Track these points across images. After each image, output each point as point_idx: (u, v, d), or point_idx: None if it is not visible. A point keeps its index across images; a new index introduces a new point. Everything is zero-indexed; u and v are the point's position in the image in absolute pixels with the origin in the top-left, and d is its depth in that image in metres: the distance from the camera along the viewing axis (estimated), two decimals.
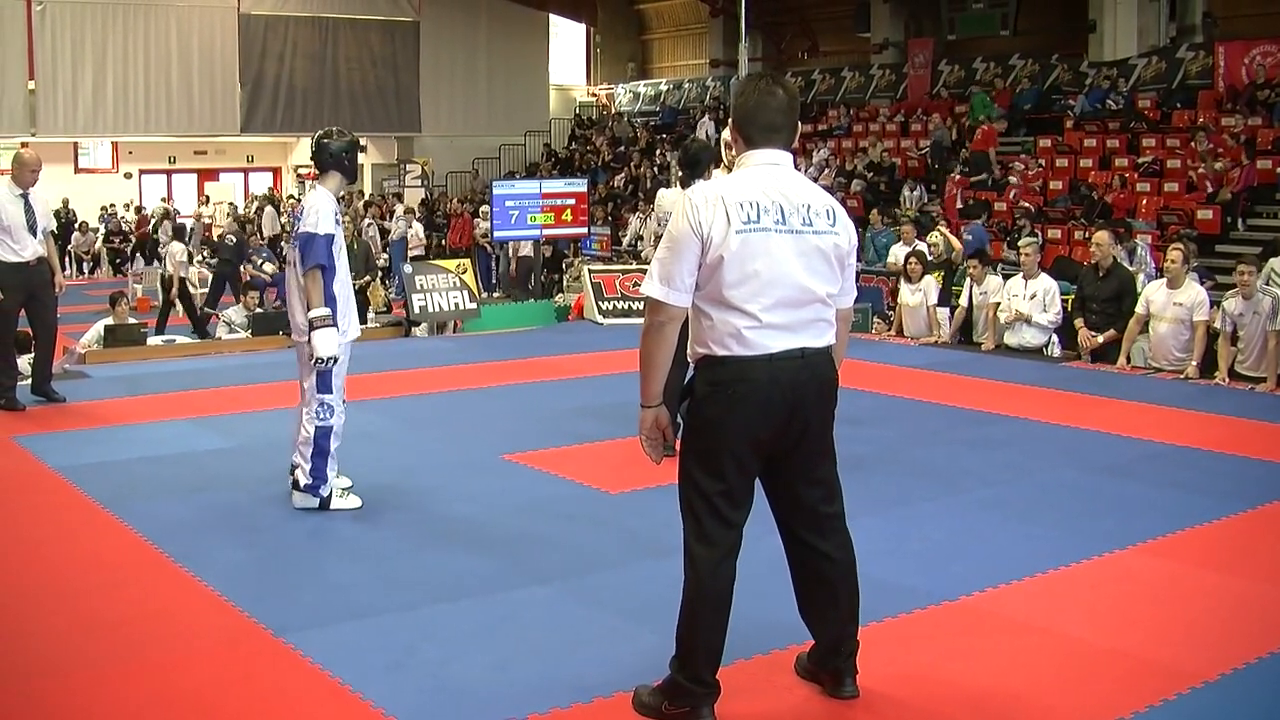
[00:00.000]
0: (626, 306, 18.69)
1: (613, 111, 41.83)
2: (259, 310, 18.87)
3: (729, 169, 6.74)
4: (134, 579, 6.98)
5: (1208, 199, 21.68)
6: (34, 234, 11.47)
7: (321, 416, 8.07)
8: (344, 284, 8.18)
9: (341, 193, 8.17)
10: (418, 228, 28.34)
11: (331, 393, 8.09)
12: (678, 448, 5.11)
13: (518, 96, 38.38)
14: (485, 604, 6.50)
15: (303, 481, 8.11)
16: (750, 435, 4.85)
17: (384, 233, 28.31)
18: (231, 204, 38.75)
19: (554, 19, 40.02)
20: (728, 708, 5.12)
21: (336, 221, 8.12)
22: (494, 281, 25.72)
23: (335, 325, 7.95)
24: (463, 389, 12.78)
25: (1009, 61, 30.36)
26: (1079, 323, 13.89)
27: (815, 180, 27.51)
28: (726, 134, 7.18)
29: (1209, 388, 12.39)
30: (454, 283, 18.15)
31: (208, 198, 41.35)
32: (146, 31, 32.53)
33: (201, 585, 6.76)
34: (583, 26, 42.81)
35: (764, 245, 4.75)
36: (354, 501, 8.18)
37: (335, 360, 7.97)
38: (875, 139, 29.32)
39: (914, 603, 6.40)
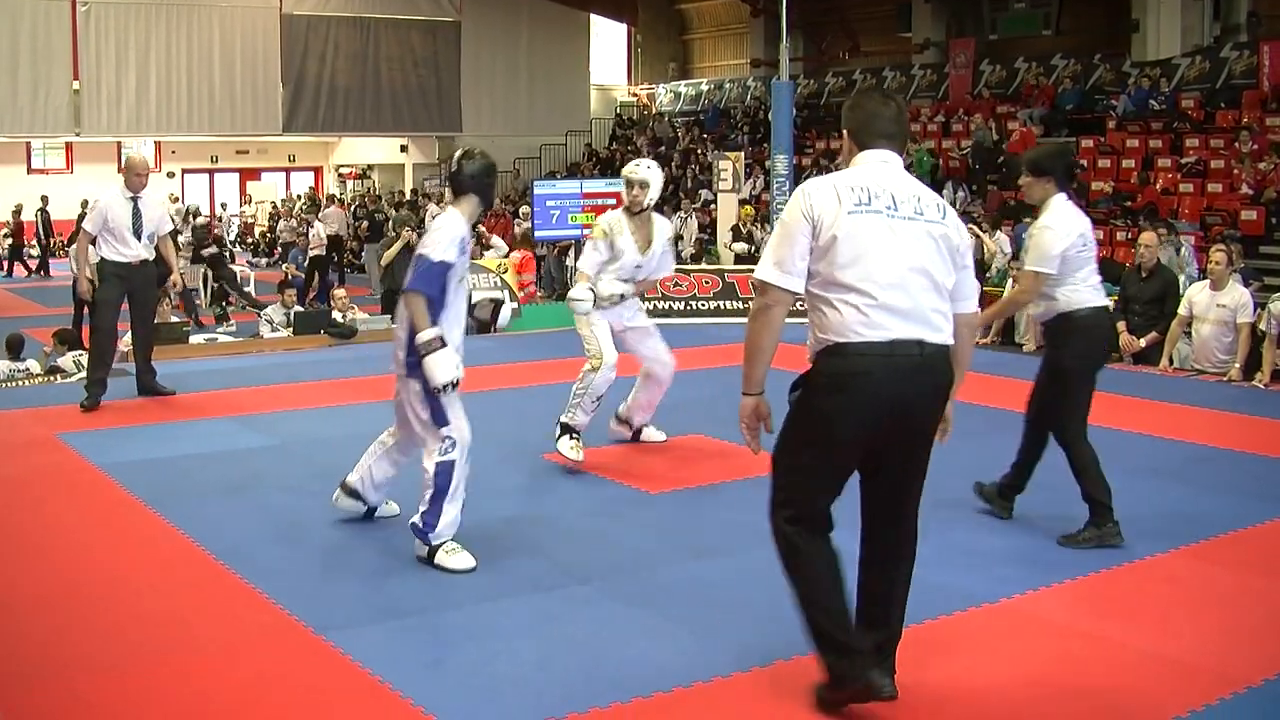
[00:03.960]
0: (667, 306, 18.69)
1: (654, 111, 41.79)
2: (298, 308, 18.92)
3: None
4: (176, 576, 7.02)
5: (1251, 200, 21.55)
6: (139, 238, 11.75)
7: (444, 451, 7.14)
8: (454, 323, 7.25)
9: (474, 218, 7.48)
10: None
11: (450, 424, 7.17)
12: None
13: (559, 96, 38.35)
14: (525, 603, 6.51)
15: (417, 521, 7.12)
16: (861, 431, 4.91)
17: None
18: (299, 198, 38.88)
19: (595, 19, 39.95)
20: (770, 708, 5.12)
21: (463, 250, 7.19)
22: (535, 281, 25.75)
23: (445, 345, 7.04)
24: (502, 388, 12.79)
25: (1051, 61, 30.20)
26: (1121, 325, 13.81)
27: None
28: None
29: (1252, 390, 12.32)
30: (494, 282, 18.18)
31: (250, 197, 41.55)
32: (189, 31, 32.63)
33: (243, 583, 6.80)
34: (624, 26, 42.72)
35: (876, 225, 4.83)
36: (466, 561, 7.04)
37: (456, 384, 7.09)
38: (917, 139, 29.22)
39: (955, 604, 6.38)
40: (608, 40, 42.63)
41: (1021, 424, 7.88)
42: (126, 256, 11.73)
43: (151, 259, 11.97)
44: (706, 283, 19.12)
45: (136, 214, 11.73)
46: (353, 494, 7.90)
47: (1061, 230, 7.42)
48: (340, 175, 43.43)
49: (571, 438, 9.48)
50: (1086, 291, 7.48)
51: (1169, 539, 7.41)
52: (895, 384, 4.82)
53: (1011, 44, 32.00)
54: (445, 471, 7.10)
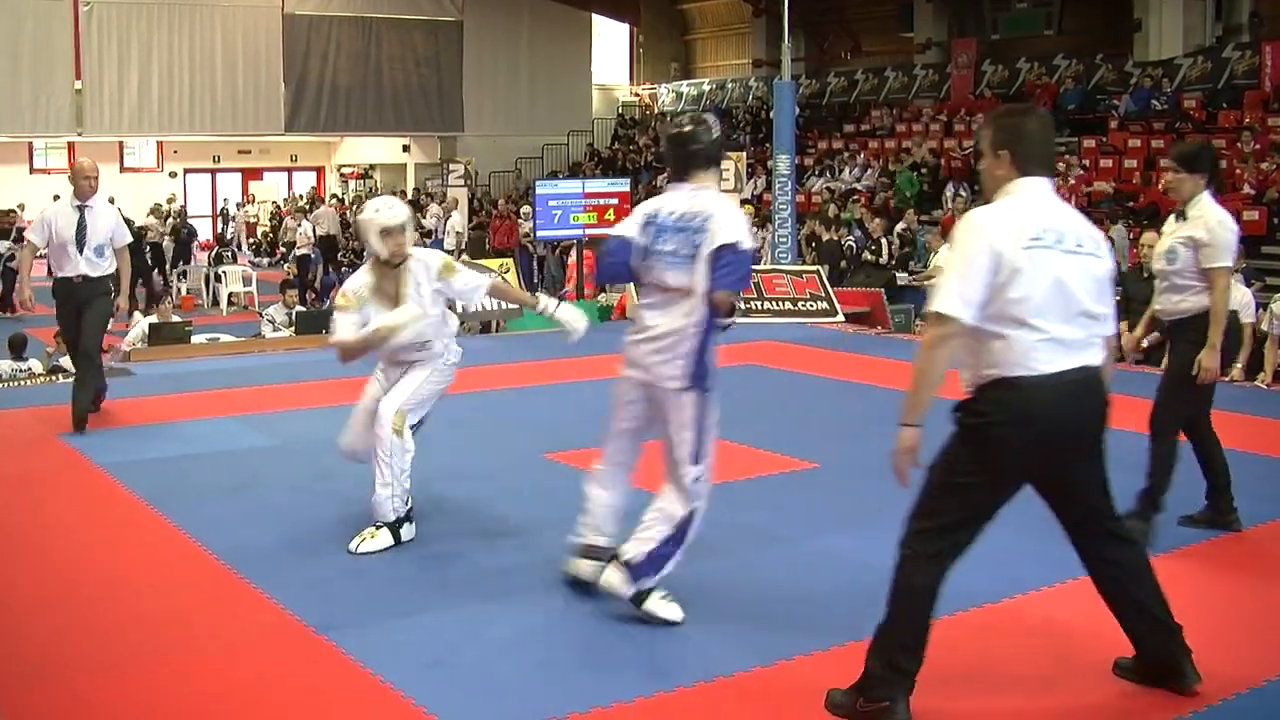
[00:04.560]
0: None
1: (656, 111, 41.82)
2: (300, 308, 18.92)
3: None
4: (177, 576, 7.02)
5: (1253, 200, 21.54)
6: (81, 250, 10.68)
7: (696, 495, 6.33)
8: None
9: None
10: (456, 219, 28.51)
11: (707, 459, 6.44)
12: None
13: (560, 96, 38.39)
14: (527, 603, 6.51)
15: (630, 557, 6.20)
16: (1032, 459, 5.00)
17: (426, 234, 28.36)
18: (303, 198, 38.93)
19: (597, 18, 39.99)
20: (773, 708, 5.12)
21: None
22: (536, 281, 25.78)
23: None
24: (504, 388, 12.79)
25: (1053, 61, 30.21)
26: (1123, 325, 13.79)
27: (858, 180, 27.59)
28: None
29: (1254, 390, 12.31)
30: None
31: (253, 196, 41.56)
32: (191, 31, 32.66)
33: (244, 582, 6.80)
34: (626, 26, 42.77)
35: (1049, 262, 4.86)
36: (676, 612, 6.19)
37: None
38: (919, 139, 29.24)
39: (958, 605, 6.37)
40: (610, 40, 42.67)
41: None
42: (67, 272, 10.76)
43: (97, 275, 10.84)
44: None
45: (82, 225, 10.67)
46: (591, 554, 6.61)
47: (1232, 225, 7.53)
48: (342, 175, 43.44)
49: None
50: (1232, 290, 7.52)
51: (1171, 539, 7.40)
52: (1068, 413, 4.94)
53: (1013, 44, 32.02)
54: (692, 518, 6.30)
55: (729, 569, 7.06)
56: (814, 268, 19.80)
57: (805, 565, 7.15)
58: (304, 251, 27.27)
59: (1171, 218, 7.87)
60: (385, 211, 7.50)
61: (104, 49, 31.61)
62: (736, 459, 9.24)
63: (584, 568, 6.54)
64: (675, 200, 6.22)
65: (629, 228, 6.33)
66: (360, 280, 7.60)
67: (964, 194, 25.09)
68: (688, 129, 6.28)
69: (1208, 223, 7.45)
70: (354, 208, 34.84)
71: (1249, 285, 13.85)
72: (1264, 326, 12.76)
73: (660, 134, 6.60)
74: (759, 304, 18.43)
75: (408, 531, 7.50)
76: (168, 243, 29.04)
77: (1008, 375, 4.88)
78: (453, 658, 5.78)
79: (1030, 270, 4.81)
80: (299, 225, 30.08)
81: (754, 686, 5.44)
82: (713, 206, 6.14)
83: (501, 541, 7.57)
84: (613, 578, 6.18)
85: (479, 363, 14.36)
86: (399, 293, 7.46)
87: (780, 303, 18.72)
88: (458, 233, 27.90)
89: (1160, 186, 7.79)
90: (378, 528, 7.40)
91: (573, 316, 7.61)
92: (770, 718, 5.22)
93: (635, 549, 6.19)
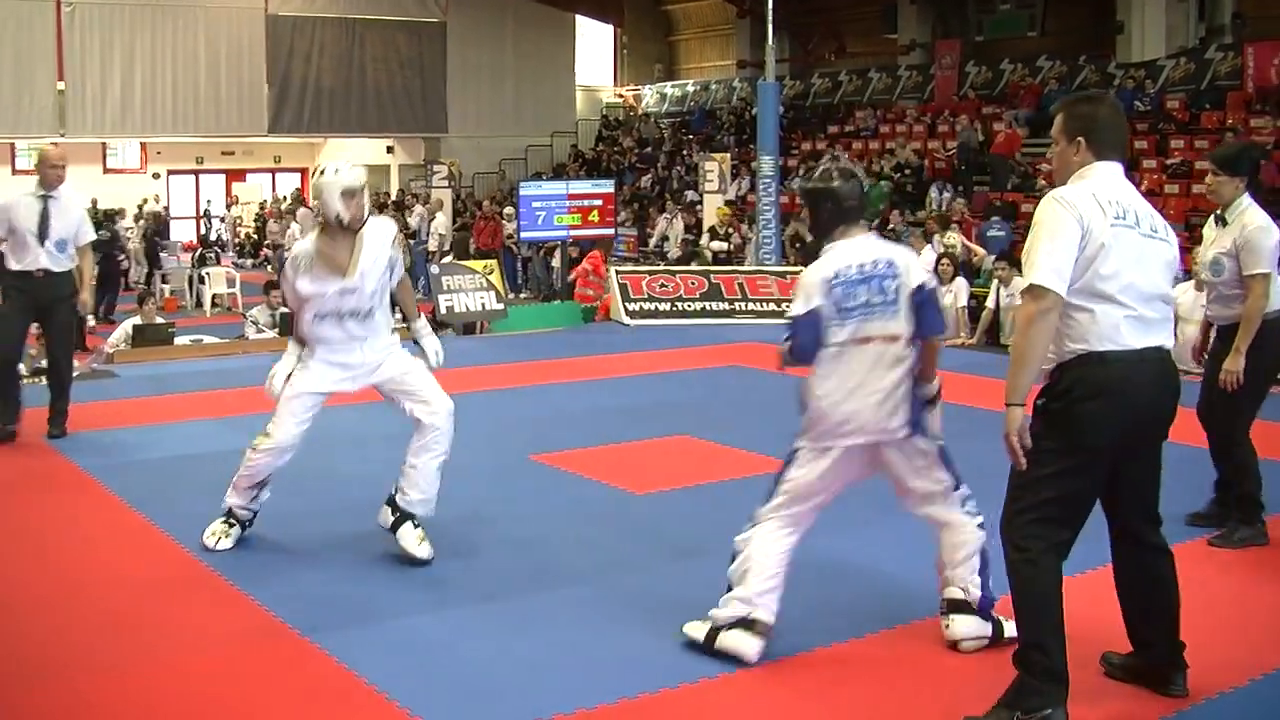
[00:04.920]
0: (653, 308, 18.70)
1: (639, 112, 41.83)
2: (284, 310, 18.87)
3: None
4: (162, 579, 7.00)
5: None
6: (43, 242, 10.16)
7: (974, 512, 6.08)
8: None
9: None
10: (441, 220, 28.48)
11: (962, 479, 6.17)
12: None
13: (544, 97, 38.42)
14: (512, 605, 6.51)
15: (973, 594, 5.98)
16: (1118, 437, 4.99)
17: (411, 234, 28.32)
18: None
19: (580, 20, 40.03)
20: (759, 710, 5.12)
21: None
22: (521, 282, 25.78)
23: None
24: (489, 390, 12.78)
25: (1036, 63, 30.24)
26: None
27: None
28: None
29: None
30: (481, 283, 18.18)
31: (236, 198, 41.47)
32: (174, 32, 32.63)
33: (229, 585, 6.79)
34: (609, 27, 42.79)
35: (1131, 241, 4.93)
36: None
37: None
38: (902, 140, 29.27)
39: (937, 608, 6.39)
40: (593, 41, 42.68)
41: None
42: (26, 264, 10.17)
43: (60, 271, 10.33)
44: (693, 284, 19.13)
45: (45, 215, 10.14)
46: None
47: (1272, 229, 7.47)
48: None
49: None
50: (1275, 294, 7.51)
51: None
52: (1150, 389, 4.99)
53: (997, 45, 32.04)
54: (984, 532, 5.98)
55: (715, 570, 7.05)
56: (799, 268, 19.79)
57: (792, 566, 7.14)
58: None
59: (1210, 221, 7.88)
60: (346, 172, 7.26)
61: (86, 49, 31.56)
62: (722, 460, 9.25)
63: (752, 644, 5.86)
64: (848, 256, 5.96)
65: (812, 300, 5.96)
66: (305, 247, 7.38)
67: (949, 194, 25.13)
68: (837, 184, 6.02)
69: (1246, 229, 7.45)
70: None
71: None
72: None
73: (803, 190, 6.21)
74: (743, 305, 18.47)
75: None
76: (135, 245, 28.95)
77: (1095, 350, 4.89)
78: (438, 660, 5.77)
79: (1117, 246, 4.87)
80: (288, 226, 30.00)
81: (741, 687, 5.45)
82: (887, 250, 6.05)
83: (487, 543, 7.57)
84: (965, 626, 5.93)
85: (464, 364, 14.36)
86: (351, 260, 7.24)
87: (765, 303, 18.76)
88: (441, 234, 27.87)
89: (1205, 190, 7.74)
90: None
91: (433, 349, 7.68)
92: (759, 717, 5.22)
93: (965, 591, 5.98)
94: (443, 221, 28.54)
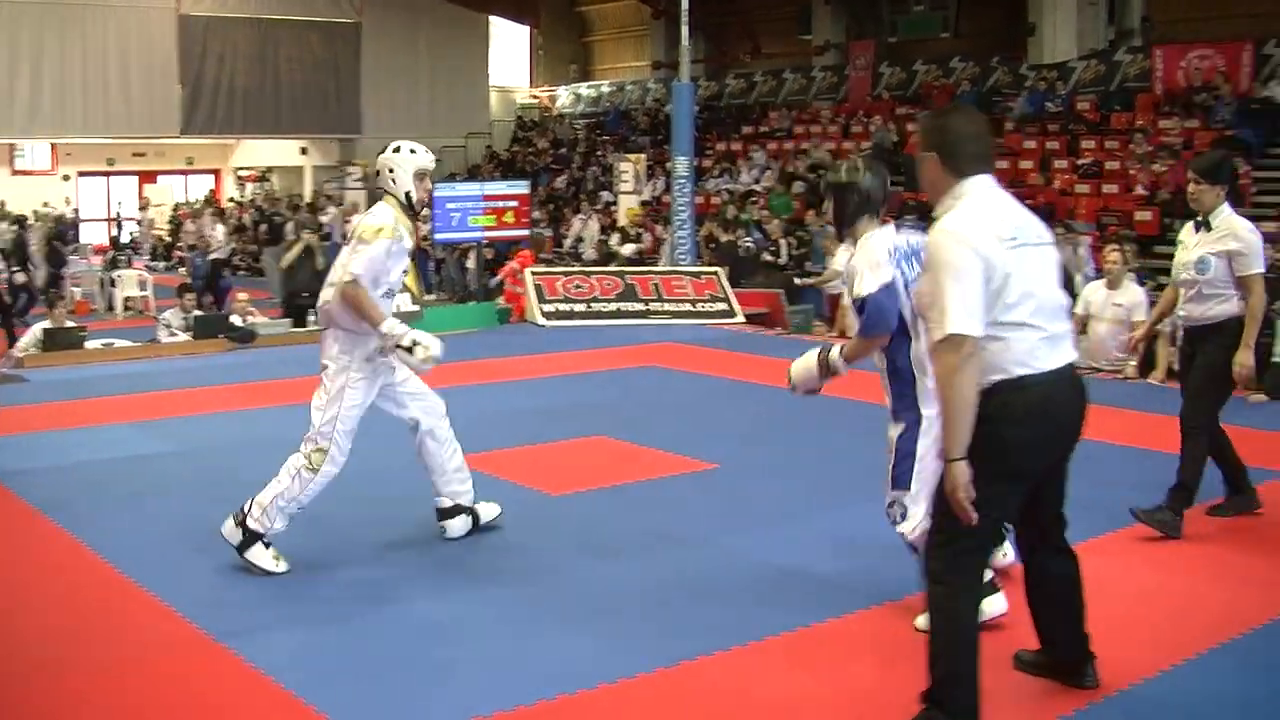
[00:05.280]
0: (569, 309, 18.67)
1: (554, 113, 41.83)
2: (198, 312, 18.72)
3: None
4: (74, 586, 6.93)
5: (1146, 201, 21.86)
6: None
7: (897, 519, 6.24)
8: None
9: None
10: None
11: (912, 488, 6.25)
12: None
13: (459, 98, 38.33)
14: (429, 608, 6.49)
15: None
16: (1046, 459, 4.99)
17: (324, 236, 28.13)
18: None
19: (495, 20, 39.96)
20: (674, 710, 5.13)
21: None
22: (434, 284, 25.67)
23: None
24: None
25: (949, 64, 30.51)
26: None
27: (756, 182, 27.70)
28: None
29: (1147, 387, 12.48)
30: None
31: (148, 200, 41.03)
32: (84, 31, 32.30)
33: (142, 591, 6.72)
34: (524, 28, 42.73)
35: (1029, 259, 4.81)
36: None
37: None
38: (817, 140, 29.43)
39: (857, 603, 6.43)
40: (508, 42, 42.65)
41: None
42: None
43: None
44: (608, 285, 19.13)
45: None
46: None
47: (1258, 232, 7.87)
48: (240, 178, 43.01)
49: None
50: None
51: (1070, 535, 7.48)
52: (1070, 406, 4.95)
53: (911, 46, 32.30)
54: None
55: (631, 570, 7.07)
56: (713, 269, 19.86)
57: (707, 565, 7.17)
58: (217, 255, 26.95)
59: (1189, 227, 8.16)
60: (422, 153, 7.54)
61: None
62: (637, 460, 9.27)
63: None
64: (887, 238, 6.19)
65: (885, 274, 6.05)
66: (392, 218, 7.33)
67: None
68: (864, 179, 6.22)
69: (1238, 233, 7.77)
70: (253, 211, 34.61)
71: (1142, 284, 14.04)
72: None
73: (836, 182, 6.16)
74: (658, 305, 18.49)
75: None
76: (34, 249, 28.59)
77: (1012, 375, 4.77)
78: (355, 664, 5.74)
79: (1020, 270, 4.74)
80: (213, 229, 29.77)
81: (658, 687, 5.45)
82: (918, 237, 6.10)
83: (403, 546, 7.54)
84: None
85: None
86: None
87: (680, 304, 18.78)
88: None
89: (1188, 196, 8.12)
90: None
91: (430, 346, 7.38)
92: (675, 718, 5.23)
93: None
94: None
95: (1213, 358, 7.88)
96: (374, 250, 7.14)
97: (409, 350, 7.19)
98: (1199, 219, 8.00)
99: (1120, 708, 5.25)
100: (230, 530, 7.09)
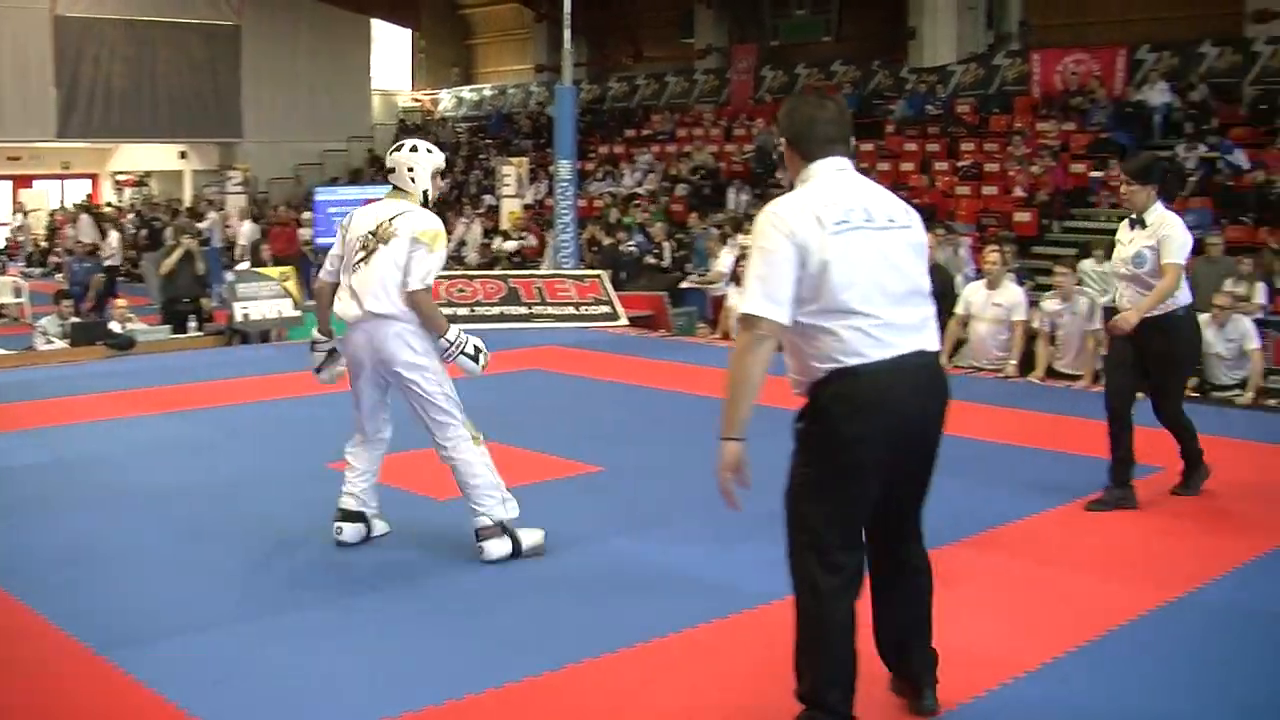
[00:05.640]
0: (451, 312, 18.55)
1: (437, 117, 41.69)
2: (75, 319, 18.46)
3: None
4: None
5: (1025, 202, 22.20)
6: None
7: None
8: None
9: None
10: (249, 228, 28.00)
11: None
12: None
13: (341, 101, 38.10)
14: (314, 615, 6.43)
15: None
16: (885, 452, 4.68)
17: (204, 241, 27.83)
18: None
19: (377, 23, 39.77)
20: (566, 712, 5.12)
21: None
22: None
23: None
24: (287, 397, 12.61)
25: (831, 67, 30.76)
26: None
27: (639, 185, 27.75)
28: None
29: (1027, 386, 12.63)
30: (277, 290, 17.95)
31: (23, 205, 40.36)
32: None
33: (18, 603, 6.60)
34: (406, 31, 42.57)
35: (863, 243, 4.62)
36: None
37: None
38: (700, 143, 29.55)
39: (744, 603, 6.45)
40: (390, 45, 42.47)
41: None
42: None
43: None
44: (491, 288, 19.06)
45: None
46: None
47: (1186, 231, 8.33)
48: (118, 182, 42.41)
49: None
50: (1185, 290, 8.33)
51: (947, 533, 7.52)
52: (912, 399, 4.71)
53: (793, 50, 32.53)
54: None
55: (518, 574, 7.05)
56: (596, 272, 19.85)
57: (593, 568, 7.17)
58: (112, 261, 26.57)
59: (1125, 225, 8.56)
60: (437, 153, 7.68)
61: None
62: (521, 464, 9.23)
63: None
64: None
65: None
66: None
67: (746, 197, 25.41)
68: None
69: (1169, 227, 8.24)
70: (133, 215, 34.16)
71: (1021, 285, 14.22)
72: (1035, 324, 13.15)
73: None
74: (541, 309, 18.46)
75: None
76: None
77: (845, 365, 4.61)
78: (238, 673, 5.67)
79: (846, 255, 4.57)
80: (108, 235, 29.31)
81: (545, 692, 5.43)
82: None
83: (284, 553, 7.47)
84: None
85: (260, 372, 14.19)
86: None
87: (563, 307, 18.76)
88: (243, 245, 27.40)
89: (1121, 199, 8.66)
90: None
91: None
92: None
93: None
94: (251, 229, 27.98)
95: (1167, 354, 8.36)
96: (438, 257, 7.42)
97: (473, 358, 7.44)
98: (1134, 217, 8.41)
99: (1003, 703, 5.30)
100: (496, 547, 7.22)
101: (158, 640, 6.08)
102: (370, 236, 7.30)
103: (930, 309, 4.87)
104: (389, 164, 7.54)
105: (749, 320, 4.59)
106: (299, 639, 6.09)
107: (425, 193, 7.50)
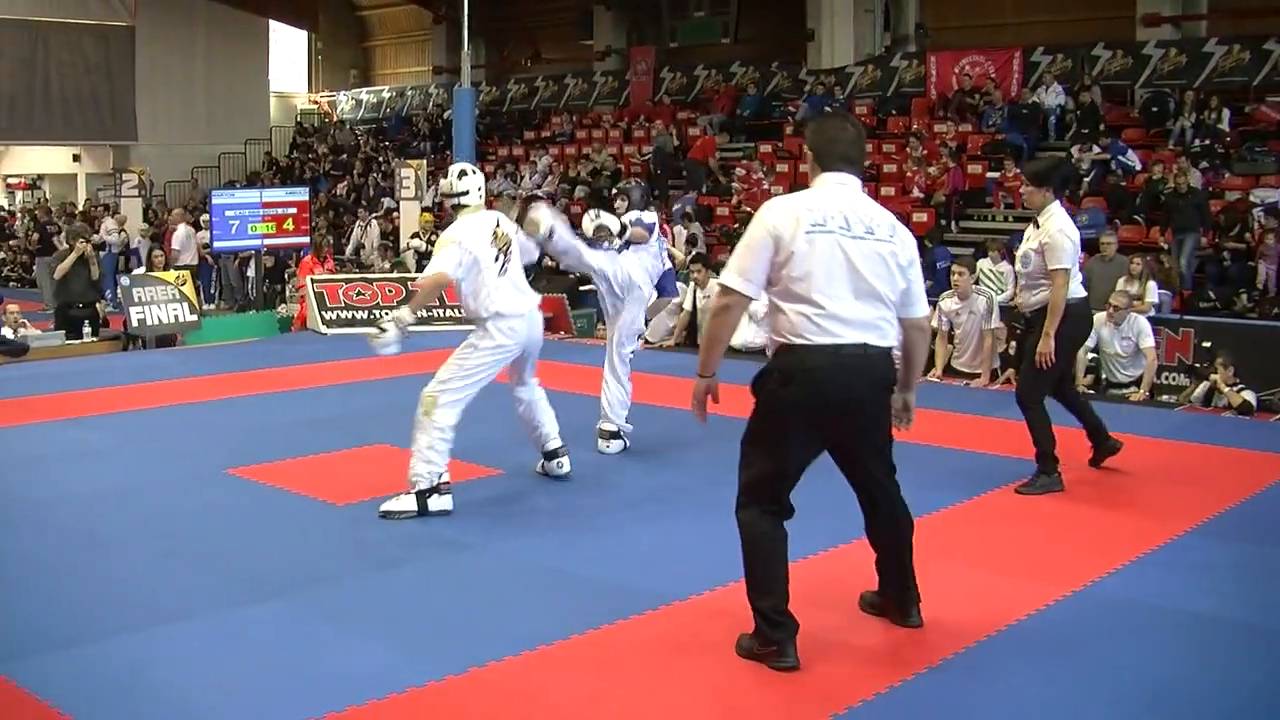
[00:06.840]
0: (350, 316, 18.48)
1: (335, 119, 41.46)
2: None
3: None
4: None
5: (923, 203, 22.38)
6: None
7: None
8: None
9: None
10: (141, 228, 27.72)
11: None
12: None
13: (237, 103, 37.78)
14: (212, 622, 6.36)
15: None
16: (813, 418, 5.64)
17: (98, 246, 27.50)
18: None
19: (274, 25, 39.48)
20: (471, 714, 5.10)
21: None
22: (214, 293, 25.27)
23: None
24: (184, 403, 12.49)
25: (730, 68, 30.85)
26: None
27: (538, 187, 27.71)
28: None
29: (926, 384, 12.69)
30: (174, 294, 17.77)
31: None
32: None
33: None
34: (304, 33, 42.29)
35: (829, 245, 5.52)
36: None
37: None
38: (599, 145, 29.57)
39: (644, 604, 6.44)
40: (287, 47, 42.18)
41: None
42: None
43: None
44: (389, 291, 18.96)
45: None
46: None
47: (1072, 232, 8.73)
48: (9, 186, 41.84)
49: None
50: (1075, 284, 8.79)
51: (847, 530, 7.53)
52: (840, 380, 5.56)
53: (691, 51, 32.60)
54: None
55: (418, 578, 7.02)
56: None
57: (492, 571, 7.15)
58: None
59: (1031, 225, 8.98)
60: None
61: None
62: None
63: None
64: None
65: None
66: None
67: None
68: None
69: (1050, 231, 8.66)
70: (25, 219, 33.71)
71: None
72: (933, 323, 13.24)
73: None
74: (440, 311, 18.36)
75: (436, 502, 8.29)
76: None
77: (791, 343, 5.56)
78: (136, 683, 5.59)
79: (809, 252, 5.48)
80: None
81: (449, 695, 5.41)
82: None
83: (183, 560, 7.39)
84: None
85: (157, 377, 14.03)
86: None
87: (462, 310, 18.66)
88: (137, 244, 27.12)
89: (1022, 200, 9.14)
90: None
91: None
92: None
93: None
94: (143, 229, 27.71)
95: (1035, 342, 8.75)
96: (441, 255, 9.44)
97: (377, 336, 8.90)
98: (1036, 218, 8.85)
99: (907, 698, 5.33)
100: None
101: (51, 650, 5.98)
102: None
103: (889, 312, 5.71)
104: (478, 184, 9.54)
105: (725, 289, 5.64)
106: (196, 646, 6.01)
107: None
